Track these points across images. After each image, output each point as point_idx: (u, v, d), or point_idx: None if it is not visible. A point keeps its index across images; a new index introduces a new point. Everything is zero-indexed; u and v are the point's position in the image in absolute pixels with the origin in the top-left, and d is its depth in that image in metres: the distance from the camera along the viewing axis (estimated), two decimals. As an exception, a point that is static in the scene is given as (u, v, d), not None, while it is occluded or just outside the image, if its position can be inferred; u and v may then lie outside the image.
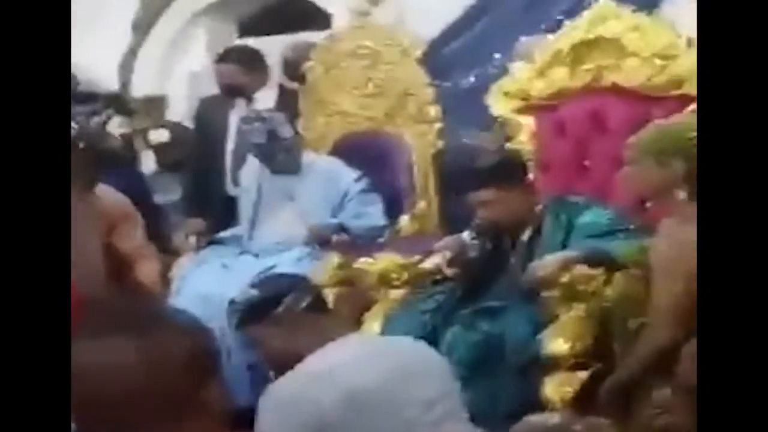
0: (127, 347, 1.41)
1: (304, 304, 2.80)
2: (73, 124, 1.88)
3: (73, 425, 1.46)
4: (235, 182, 5.16)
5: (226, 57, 5.39)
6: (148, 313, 1.54)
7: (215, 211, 5.21)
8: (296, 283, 3.02)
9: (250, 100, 5.26)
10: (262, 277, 3.46)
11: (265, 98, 5.27)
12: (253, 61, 5.34)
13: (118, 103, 5.57)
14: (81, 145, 1.89)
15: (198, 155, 5.41)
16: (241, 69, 5.26)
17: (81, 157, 1.87)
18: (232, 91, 5.29)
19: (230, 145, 5.24)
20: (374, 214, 4.65)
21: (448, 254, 3.89)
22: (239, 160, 5.14)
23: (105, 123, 5.06)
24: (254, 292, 2.90)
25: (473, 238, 3.86)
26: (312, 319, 2.80)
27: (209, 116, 5.39)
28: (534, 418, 2.66)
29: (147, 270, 3.82)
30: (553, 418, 2.61)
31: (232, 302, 3.20)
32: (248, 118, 4.72)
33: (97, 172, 1.91)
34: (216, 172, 5.28)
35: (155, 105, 6.37)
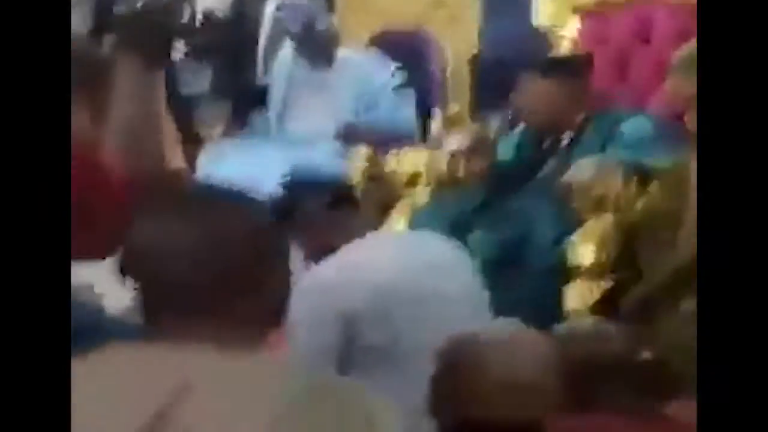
0: (185, 230, 1.40)
1: (331, 201, 2.79)
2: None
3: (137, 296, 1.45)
4: (267, 72, 5.11)
5: None
6: (204, 192, 1.54)
7: (245, 100, 5.15)
8: (324, 179, 3.02)
9: None
10: (289, 175, 3.43)
11: None
12: None
13: None
14: (149, 18, 1.86)
15: (230, 43, 5.34)
16: None
17: (149, 29, 1.84)
18: None
19: (263, 35, 5.18)
20: (406, 112, 4.58)
21: (468, 139, 3.86)
22: (272, 50, 5.08)
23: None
24: (282, 190, 2.90)
25: (499, 127, 3.84)
26: (339, 216, 2.80)
27: (244, 4, 5.32)
28: (572, 323, 2.67)
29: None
30: (590, 324, 2.61)
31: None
32: (284, 5, 4.65)
33: (167, 43, 1.89)
34: (247, 61, 5.22)
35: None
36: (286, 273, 1.48)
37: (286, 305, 1.49)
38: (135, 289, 1.44)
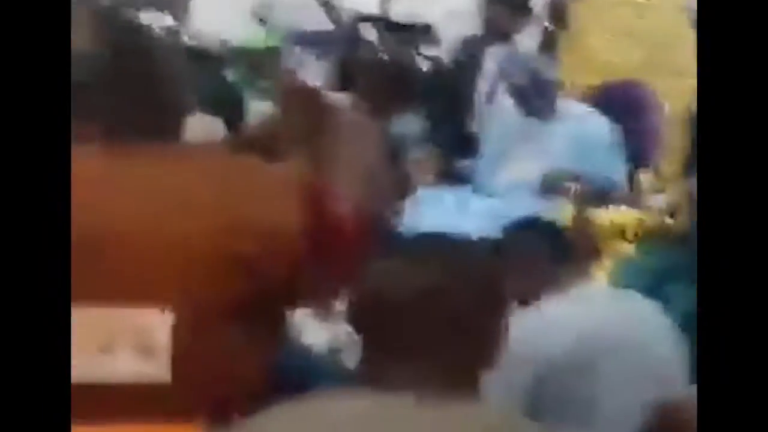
0: (421, 279, 1.41)
1: (545, 249, 2.77)
2: (382, 50, 1.93)
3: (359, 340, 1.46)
4: (482, 121, 5.12)
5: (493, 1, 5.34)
6: (440, 241, 1.57)
7: (455, 147, 5.17)
8: (542, 226, 2.99)
9: (509, 41, 5.20)
10: (507, 218, 3.44)
11: (526, 41, 5.19)
12: (519, 3, 5.26)
13: (428, 33, 5.68)
14: (390, 70, 1.90)
15: (449, 90, 5.38)
16: (506, 10, 5.20)
17: (388, 81, 1.89)
18: (494, 31, 5.23)
19: (482, 84, 5.20)
20: (615, 168, 4.49)
21: (675, 195, 3.75)
22: (489, 100, 5.10)
23: (413, 52, 5.22)
24: (499, 233, 2.89)
25: None
26: (550, 264, 2.76)
27: (466, 54, 5.36)
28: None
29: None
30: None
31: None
32: (513, 59, 4.66)
33: (405, 96, 1.93)
34: (462, 109, 5.25)
35: (419, 32, 6.40)
36: (503, 316, 1.48)
37: (502, 348, 1.48)
38: (359, 336, 1.46)
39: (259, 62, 5.49)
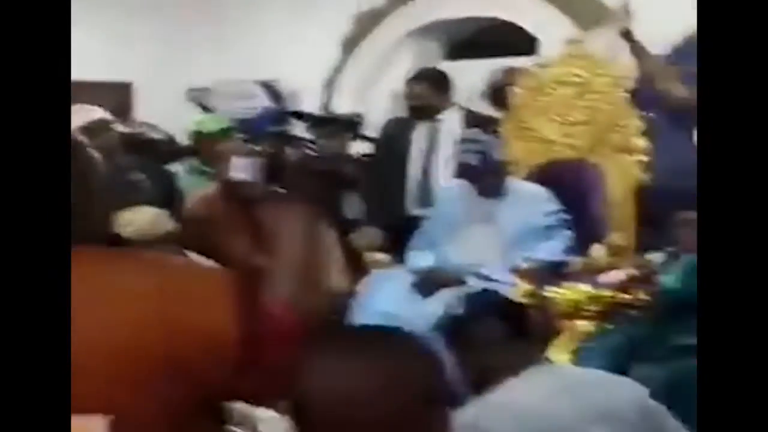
0: (362, 375, 1.41)
1: (501, 328, 2.74)
2: (311, 147, 1.90)
3: None
4: (419, 202, 5.13)
5: (416, 76, 5.40)
6: (380, 339, 1.53)
7: (394, 229, 5.16)
8: (500, 305, 2.96)
9: (435, 121, 5.23)
10: (465, 295, 3.40)
11: (450, 121, 5.22)
12: (442, 83, 5.34)
13: (355, 127, 5.71)
14: (318, 168, 1.89)
15: (381, 174, 5.38)
16: (430, 89, 5.25)
17: (317, 179, 1.87)
18: (419, 111, 5.28)
19: (415, 166, 5.23)
20: (552, 250, 4.52)
21: (631, 271, 3.77)
22: (426, 180, 5.13)
23: (343, 147, 5.23)
24: (459, 308, 2.86)
25: (662, 262, 3.74)
26: (508, 345, 2.73)
27: (394, 136, 5.38)
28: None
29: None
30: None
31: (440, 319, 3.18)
32: (464, 140, 4.69)
33: (331, 192, 1.92)
34: (396, 192, 5.25)
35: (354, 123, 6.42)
36: (448, 416, 1.46)
37: None
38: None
39: (201, 150, 5.47)
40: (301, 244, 1.73)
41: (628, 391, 2.75)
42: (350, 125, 5.67)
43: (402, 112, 5.53)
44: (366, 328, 1.59)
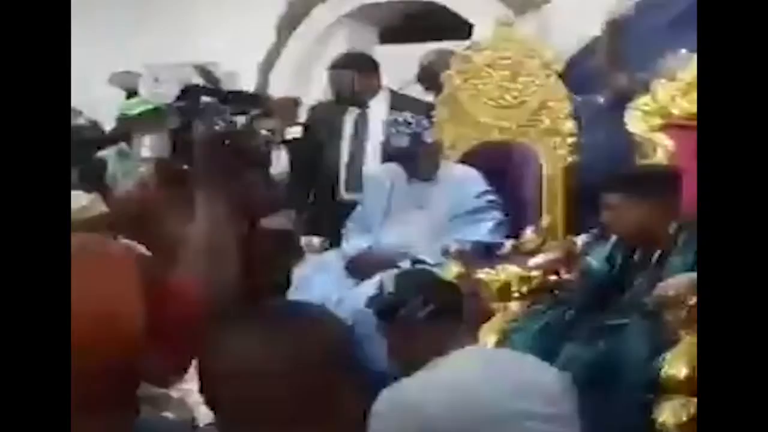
0: (264, 344, 1.41)
1: (430, 309, 2.77)
2: (218, 121, 1.90)
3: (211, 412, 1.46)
4: (350, 187, 5.14)
5: (340, 63, 5.37)
6: (285, 310, 1.55)
7: (328, 215, 5.18)
8: (430, 284, 2.99)
9: (362, 106, 5.23)
10: (398, 275, 3.43)
11: (379, 105, 5.23)
12: (367, 67, 5.32)
13: (262, 103, 5.63)
14: (226, 143, 1.89)
15: (312, 159, 5.37)
16: (354, 75, 5.24)
17: (225, 155, 1.87)
18: (345, 97, 5.27)
19: (345, 151, 5.22)
20: (482, 232, 4.56)
21: (558, 253, 3.83)
22: (355, 165, 5.14)
23: (251, 122, 5.13)
24: (391, 287, 2.88)
25: (587, 243, 3.79)
26: (437, 325, 2.77)
27: (324, 122, 5.37)
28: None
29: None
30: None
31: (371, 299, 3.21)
32: (394, 122, 4.69)
33: (242, 170, 1.92)
34: (327, 177, 5.25)
35: (290, 106, 6.40)
36: (359, 393, 1.48)
37: (360, 424, 1.47)
38: (212, 408, 1.44)
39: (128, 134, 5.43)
40: (208, 224, 1.73)
41: (552, 372, 2.85)
42: (257, 101, 5.59)
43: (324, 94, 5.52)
44: (274, 305, 1.59)
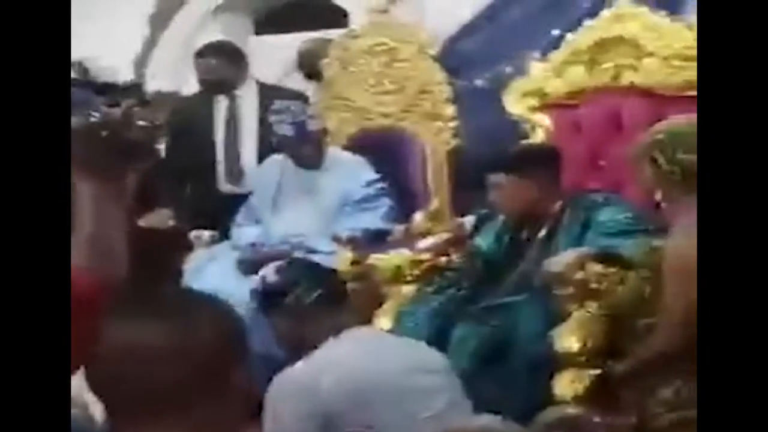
0: (155, 330, 1.42)
1: (316, 295, 2.82)
2: (94, 113, 1.87)
3: (101, 405, 1.47)
4: (230, 179, 5.15)
5: (205, 51, 5.33)
6: (176, 296, 1.56)
7: (209, 208, 5.16)
8: (312, 272, 3.04)
9: (231, 96, 5.22)
10: (285, 262, 3.46)
11: (248, 95, 5.23)
12: (233, 56, 5.29)
13: (138, 94, 5.52)
14: (104, 134, 1.87)
15: (185, 152, 5.23)
16: (221, 63, 5.21)
17: (104, 146, 1.86)
18: (212, 86, 5.24)
19: (219, 142, 5.20)
20: (374, 219, 4.62)
21: (445, 235, 3.92)
22: (231, 157, 5.13)
23: (128, 113, 4.99)
24: (272, 278, 2.92)
25: (474, 225, 3.90)
26: (325, 311, 2.82)
27: (193, 113, 5.31)
28: (554, 410, 2.68)
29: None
30: (573, 410, 2.63)
31: (253, 291, 3.24)
32: (276, 111, 4.69)
33: (122, 161, 1.91)
34: (204, 169, 5.23)
35: (167, 100, 6.35)
36: (250, 375, 1.49)
37: (254, 406, 1.50)
38: (101, 398, 1.46)
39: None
40: (92, 217, 1.73)
41: (433, 351, 3.01)
42: (132, 91, 5.50)
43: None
44: (165, 290, 1.60)
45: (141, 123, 1.97)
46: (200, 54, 5.33)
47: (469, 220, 4.03)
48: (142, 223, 4.91)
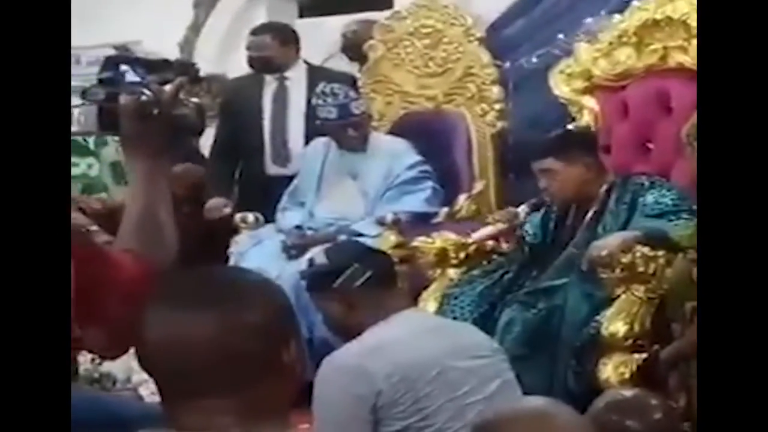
0: (206, 310, 1.41)
1: (366, 277, 2.80)
2: (145, 91, 1.87)
3: (153, 385, 1.47)
4: (277, 161, 5.16)
5: (259, 30, 5.33)
6: (226, 276, 1.54)
7: (256, 191, 5.17)
8: (362, 254, 3.02)
9: (281, 76, 5.21)
10: (330, 245, 3.45)
11: (298, 77, 5.23)
12: (287, 36, 5.27)
13: (189, 72, 5.51)
14: (154, 112, 1.86)
15: (234, 134, 5.27)
16: (274, 42, 5.19)
17: (154, 124, 1.85)
18: (263, 66, 5.23)
19: (267, 125, 5.20)
20: (418, 202, 4.61)
21: (500, 225, 3.89)
22: (279, 139, 5.13)
23: (178, 90, 4.98)
24: (322, 260, 2.91)
25: (528, 213, 3.87)
26: (375, 293, 2.80)
27: (243, 95, 5.33)
28: (611, 393, 2.66)
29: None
30: (629, 393, 2.61)
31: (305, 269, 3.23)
32: (321, 93, 4.68)
33: (171, 139, 1.90)
34: (254, 151, 5.23)
35: (215, 83, 6.36)
36: (303, 355, 1.49)
37: (303, 389, 1.49)
38: (154, 379, 1.46)
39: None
40: (144, 196, 1.72)
41: (482, 334, 2.96)
42: (184, 69, 5.49)
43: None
44: (215, 272, 1.59)
45: (192, 100, 1.96)
46: (255, 32, 5.33)
47: (523, 210, 4.00)
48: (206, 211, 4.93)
